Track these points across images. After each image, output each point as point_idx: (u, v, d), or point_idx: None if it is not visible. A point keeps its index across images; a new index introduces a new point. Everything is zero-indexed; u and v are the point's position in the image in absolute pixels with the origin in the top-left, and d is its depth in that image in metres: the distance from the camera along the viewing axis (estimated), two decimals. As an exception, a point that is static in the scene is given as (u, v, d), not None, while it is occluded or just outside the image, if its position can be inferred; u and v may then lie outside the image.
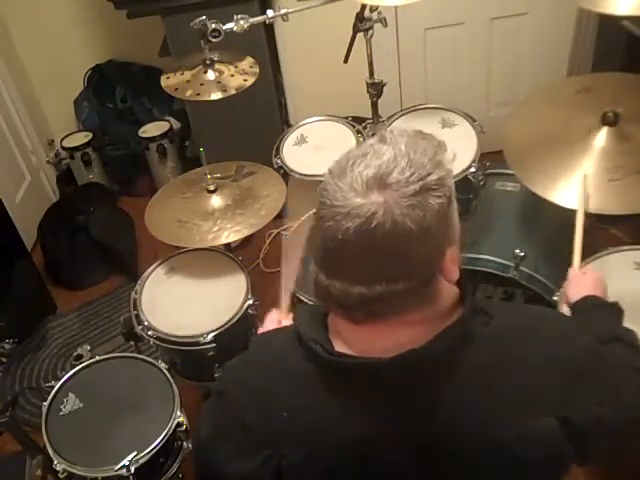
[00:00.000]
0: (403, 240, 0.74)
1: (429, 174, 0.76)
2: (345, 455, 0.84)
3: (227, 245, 1.99)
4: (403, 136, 0.80)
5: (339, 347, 0.84)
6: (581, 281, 1.35)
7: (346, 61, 2.05)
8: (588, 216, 1.53)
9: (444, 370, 0.82)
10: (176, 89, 1.83)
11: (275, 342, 0.96)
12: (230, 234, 1.83)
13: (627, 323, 1.50)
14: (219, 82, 1.82)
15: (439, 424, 0.82)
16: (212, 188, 1.94)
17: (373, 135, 0.82)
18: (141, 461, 1.49)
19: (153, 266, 1.97)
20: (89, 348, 1.80)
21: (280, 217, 1.92)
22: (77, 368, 1.70)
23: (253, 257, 2.76)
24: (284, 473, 0.85)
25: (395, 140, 0.78)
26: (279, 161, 2.08)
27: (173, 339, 1.76)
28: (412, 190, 0.74)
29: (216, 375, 1.81)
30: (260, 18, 1.83)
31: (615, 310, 1.18)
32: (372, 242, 0.74)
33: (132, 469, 1.47)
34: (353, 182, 0.75)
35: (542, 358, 0.85)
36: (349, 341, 0.84)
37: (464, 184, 1.86)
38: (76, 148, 3.30)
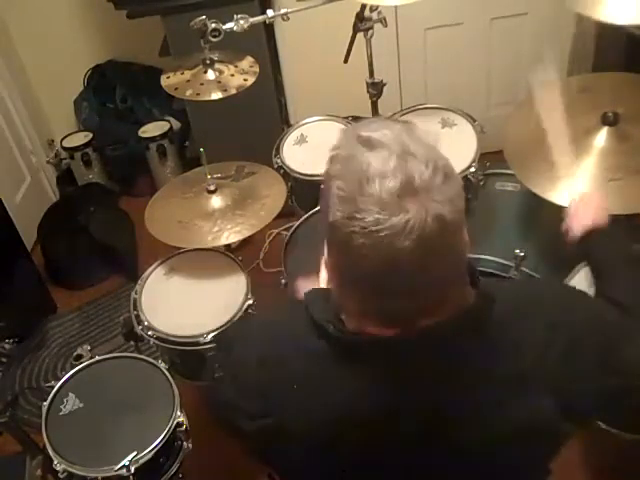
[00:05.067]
0: (452, 233, 0.75)
1: (440, 158, 0.76)
2: (352, 430, 0.85)
3: (227, 245, 1.99)
4: (387, 132, 0.77)
5: (352, 326, 0.85)
6: (587, 209, 1.26)
7: (346, 61, 2.06)
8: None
9: (450, 351, 0.83)
10: (176, 89, 1.83)
11: (292, 323, 0.96)
12: (230, 235, 1.83)
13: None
14: (219, 82, 1.82)
15: (439, 408, 0.84)
16: (212, 188, 1.94)
17: (353, 137, 0.78)
18: (141, 461, 1.49)
19: (153, 266, 1.96)
20: (89, 348, 1.80)
21: (280, 217, 1.91)
22: (77, 368, 1.70)
23: (253, 257, 2.76)
24: (292, 441, 0.88)
25: (384, 139, 0.76)
26: (279, 161, 2.08)
27: (173, 339, 1.76)
28: (438, 183, 0.74)
29: (216, 375, 1.80)
30: (260, 18, 1.83)
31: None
32: (429, 249, 0.73)
33: (132, 469, 1.46)
34: (380, 201, 0.72)
35: (541, 339, 0.87)
36: (367, 328, 0.84)
37: (464, 184, 1.86)
38: (76, 148, 3.30)
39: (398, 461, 0.87)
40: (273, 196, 1.93)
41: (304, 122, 2.21)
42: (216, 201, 1.93)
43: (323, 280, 0.90)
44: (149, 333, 1.78)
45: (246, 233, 1.84)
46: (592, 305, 0.97)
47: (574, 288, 1.02)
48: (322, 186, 0.81)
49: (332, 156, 0.80)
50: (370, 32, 1.93)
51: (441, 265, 0.76)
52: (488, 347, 0.85)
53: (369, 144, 0.76)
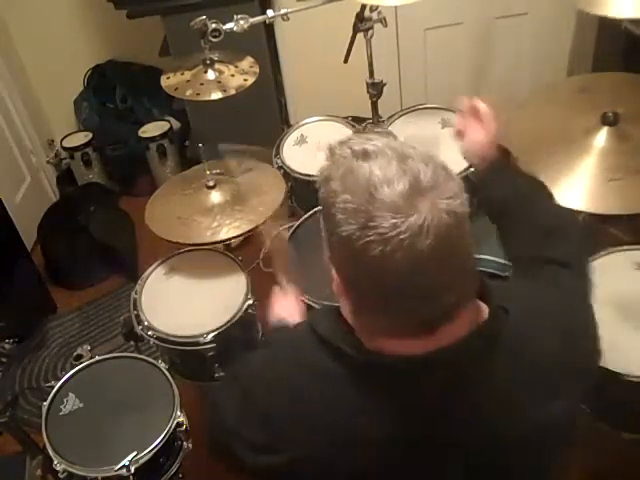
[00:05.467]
0: (464, 225, 0.77)
1: (434, 156, 0.77)
2: (376, 455, 0.83)
3: (227, 245, 1.99)
4: (376, 142, 0.77)
5: (370, 345, 0.83)
6: (483, 132, 1.23)
7: (346, 61, 2.06)
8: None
9: (471, 369, 0.82)
10: (176, 89, 1.83)
11: (297, 344, 0.94)
12: (229, 230, 1.83)
13: (628, 324, 1.51)
14: (219, 82, 1.82)
15: (464, 424, 0.83)
16: (211, 184, 1.94)
17: (344, 154, 0.78)
18: (141, 461, 1.48)
19: (153, 266, 1.96)
20: (89, 348, 1.80)
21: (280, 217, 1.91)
22: (77, 368, 1.70)
23: (253, 257, 2.75)
24: (309, 471, 0.85)
25: (377, 149, 0.76)
26: (279, 161, 2.08)
27: (173, 339, 1.76)
28: (442, 179, 0.75)
29: (216, 375, 1.81)
30: (260, 18, 1.83)
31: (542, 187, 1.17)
32: (448, 245, 0.73)
33: (132, 469, 1.46)
34: (392, 205, 0.72)
35: (556, 348, 0.88)
36: (385, 346, 0.82)
37: (464, 184, 1.85)
38: (76, 148, 3.30)
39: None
40: (272, 193, 1.93)
41: (304, 122, 2.21)
42: (215, 196, 1.93)
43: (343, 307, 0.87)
44: (149, 333, 1.78)
45: (245, 228, 1.83)
46: (584, 299, 1.00)
47: (562, 286, 1.03)
48: (323, 210, 0.80)
49: (324, 178, 0.79)
50: (370, 32, 1.93)
51: (459, 261, 0.76)
52: (505, 362, 0.84)
53: (364, 155, 0.76)
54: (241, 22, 1.77)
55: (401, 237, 0.71)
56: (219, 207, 1.90)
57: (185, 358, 1.84)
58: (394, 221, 0.71)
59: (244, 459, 0.89)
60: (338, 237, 0.75)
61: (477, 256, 2.03)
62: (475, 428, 0.83)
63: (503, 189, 1.15)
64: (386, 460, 0.83)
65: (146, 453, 1.50)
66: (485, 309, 0.85)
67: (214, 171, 1.97)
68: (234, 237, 1.83)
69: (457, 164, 1.86)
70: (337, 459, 0.84)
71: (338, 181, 0.76)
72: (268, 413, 0.87)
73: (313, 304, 1.85)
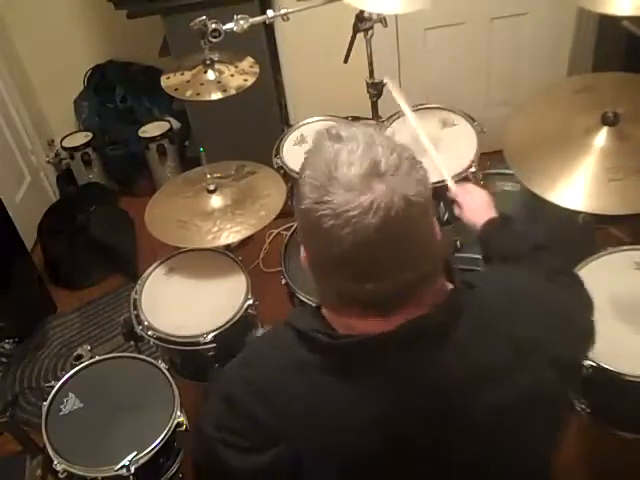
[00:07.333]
0: (419, 216, 0.79)
1: (406, 150, 0.80)
2: (365, 438, 0.84)
3: (227, 245, 1.99)
4: (355, 130, 0.82)
5: (343, 330, 0.86)
6: (475, 201, 1.46)
7: (346, 61, 2.05)
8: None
9: (440, 339, 0.84)
10: (176, 89, 1.83)
11: (274, 341, 0.96)
12: (230, 235, 1.83)
13: (628, 324, 1.51)
14: (219, 82, 1.81)
15: (437, 394, 0.84)
16: (212, 188, 1.94)
17: (323, 134, 0.84)
18: (141, 461, 1.49)
19: (153, 266, 1.97)
20: (89, 348, 1.80)
21: (280, 217, 1.91)
22: (77, 368, 1.70)
23: (253, 257, 2.76)
24: (303, 464, 0.84)
25: (351, 134, 0.80)
26: (279, 161, 2.08)
27: (173, 339, 1.76)
28: (406, 168, 0.78)
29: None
30: (260, 18, 1.83)
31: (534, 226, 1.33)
32: (396, 228, 0.76)
33: (132, 469, 1.47)
34: (348, 183, 0.75)
35: (524, 315, 0.91)
36: (356, 327, 0.85)
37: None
38: (76, 148, 3.30)
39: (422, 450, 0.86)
40: (273, 196, 1.93)
41: (304, 122, 2.21)
42: (216, 201, 1.93)
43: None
44: (149, 333, 1.78)
45: (246, 233, 1.84)
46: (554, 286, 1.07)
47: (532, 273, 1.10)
48: (297, 182, 0.84)
49: (305, 154, 0.84)
50: (370, 32, 1.93)
51: (411, 249, 0.79)
52: (474, 332, 0.86)
53: (337, 138, 0.81)
54: (241, 22, 1.77)
55: (350, 213, 0.74)
56: (220, 211, 1.90)
57: (185, 358, 1.84)
58: (347, 198, 0.75)
59: (233, 465, 0.88)
60: (300, 210, 0.80)
61: (477, 256, 2.03)
62: (455, 398, 0.84)
63: (499, 243, 1.31)
64: (377, 443, 0.84)
65: (146, 453, 1.50)
66: (450, 286, 0.89)
67: (215, 175, 1.98)
68: (235, 242, 1.84)
69: (457, 163, 1.87)
70: (328, 448, 0.84)
71: (309, 157, 0.82)
72: (254, 413, 0.87)
73: (308, 301, 1.86)
